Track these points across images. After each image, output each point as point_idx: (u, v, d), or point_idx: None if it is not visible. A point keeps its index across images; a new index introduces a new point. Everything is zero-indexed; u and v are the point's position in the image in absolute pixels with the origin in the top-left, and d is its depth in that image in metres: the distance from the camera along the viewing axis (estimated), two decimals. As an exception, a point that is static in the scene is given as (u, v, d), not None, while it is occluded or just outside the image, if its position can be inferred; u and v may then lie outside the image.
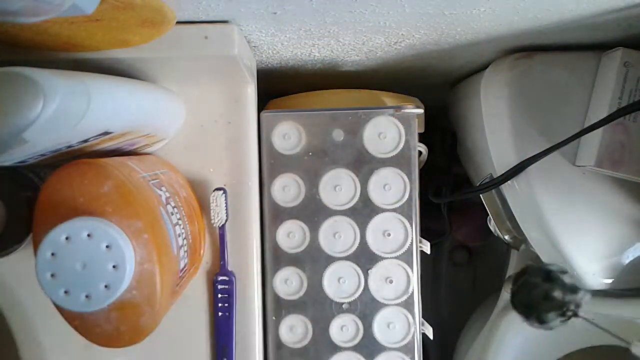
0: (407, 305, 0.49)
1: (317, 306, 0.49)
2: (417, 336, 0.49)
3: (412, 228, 0.48)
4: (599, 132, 0.43)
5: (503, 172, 0.48)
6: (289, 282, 0.48)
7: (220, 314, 0.43)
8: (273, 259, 0.48)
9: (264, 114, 0.48)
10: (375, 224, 0.48)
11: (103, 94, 0.30)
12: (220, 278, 0.43)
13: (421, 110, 0.48)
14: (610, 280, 0.47)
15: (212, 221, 0.42)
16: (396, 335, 0.49)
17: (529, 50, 0.48)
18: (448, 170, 0.67)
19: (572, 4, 0.36)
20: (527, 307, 0.40)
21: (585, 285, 0.46)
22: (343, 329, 0.49)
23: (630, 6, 0.37)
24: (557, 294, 0.39)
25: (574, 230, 0.46)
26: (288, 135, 0.48)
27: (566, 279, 0.40)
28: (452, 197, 0.65)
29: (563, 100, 0.46)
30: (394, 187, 0.48)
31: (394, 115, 0.48)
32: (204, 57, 0.38)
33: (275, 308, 0.49)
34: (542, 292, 0.39)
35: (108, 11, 0.28)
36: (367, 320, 0.49)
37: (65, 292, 0.28)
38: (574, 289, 0.39)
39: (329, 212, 0.48)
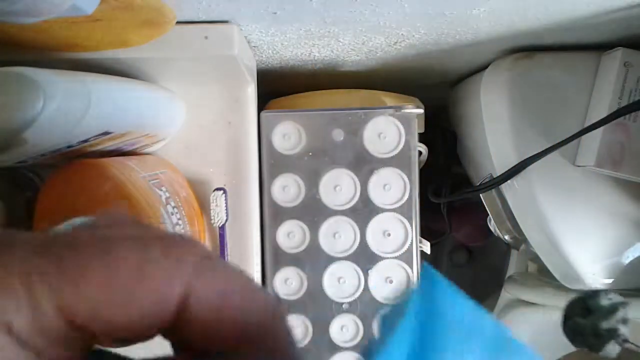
0: (407, 305, 0.49)
1: (317, 306, 0.49)
2: (417, 336, 0.49)
3: (412, 228, 0.48)
4: (599, 132, 0.43)
5: (503, 171, 0.48)
6: (288, 282, 0.48)
7: (220, 314, 0.43)
8: (273, 259, 0.48)
9: (264, 114, 0.48)
10: (375, 224, 0.48)
11: (103, 94, 0.30)
12: (220, 278, 0.43)
13: (421, 110, 0.48)
14: (610, 280, 0.47)
15: (212, 221, 0.42)
16: (396, 335, 0.49)
17: (529, 50, 0.48)
18: (448, 170, 0.67)
19: (572, 4, 0.37)
20: (584, 344, 0.40)
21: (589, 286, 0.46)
22: (343, 329, 0.49)
23: (630, 6, 0.37)
24: (604, 325, 0.39)
25: (574, 230, 0.46)
26: (288, 135, 0.48)
27: (604, 301, 0.40)
28: (452, 197, 0.65)
29: (563, 100, 0.46)
30: (394, 187, 0.48)
31: (394, 115, 0.48)
32: (204, 57, 0.38)
33: (275, 308, 0.49)
34: (591, 330, 0.39)
35: (108, 11, 0.28)
36: (367, 320, 0.49)
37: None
38: (612, 312, 0.39)
39: (329, 212, 0.48)
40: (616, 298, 0.40)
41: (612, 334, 0.38)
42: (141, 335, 0.13)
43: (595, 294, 0.40)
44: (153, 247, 0.13)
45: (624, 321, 0.38)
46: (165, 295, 0.13)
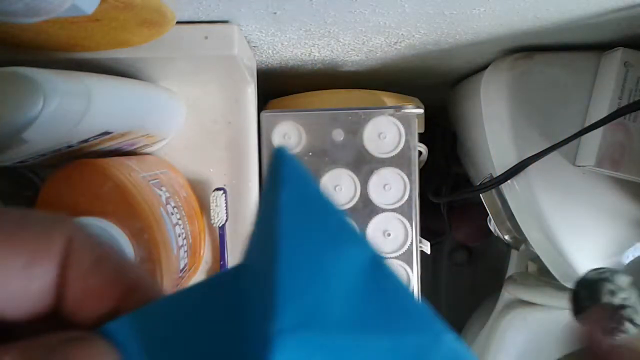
0: (407, 305, 0.49)
1: (317, 306, 0.49)
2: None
3: (412, 228, 0.48)
4: (599, 132, 0.43)
5: (503, 171, 0.48)
6: (289, 282, 0.48)
7: (220, 314, 0.43)
8: (273, 259, 0.48)
9: (264, 114, 0.48)
10: (375, 224, 0.48)
11: (103, 94, 0.30)
12: (220, 278, 0.43)
13: (421, 110, 0.48)
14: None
15: (212, 221, 0.42)
16: (396, 335, 0.49)
17: (529, 50, 0.48)
18: (448, 170, 0.67)
19: (572, 4, 0.36)
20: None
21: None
22: (343, 329, 0.49)
23: (630, 6, 0.37)
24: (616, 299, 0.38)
25: (574, 230, 0.46)
26: (288, 135, 0.48)
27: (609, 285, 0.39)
28: (452, 197, 0.65)
29: (563, 100, 0.46)
30: (394, 187, 0.48)
31: (394, 115, 0.48)
32: (204, 57, 0.38)
33: (275, 308, 0.49)
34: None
35: (108, 11, 0.28)
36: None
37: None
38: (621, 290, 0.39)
39: (329, 212, 0.48)
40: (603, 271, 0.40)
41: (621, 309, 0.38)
42: (31, 295, 0.13)
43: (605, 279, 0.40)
44: (28, 209, 0.14)
45: (612, 293, 0.38)
46: (54, 230, 0.14)
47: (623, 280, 0.39)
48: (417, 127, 0.48)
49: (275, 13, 0.37)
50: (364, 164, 0.48)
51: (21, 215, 0.14)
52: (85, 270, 0.14)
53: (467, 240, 0.81)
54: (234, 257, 0.44)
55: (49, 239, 0.14)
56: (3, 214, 0.14)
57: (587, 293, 0.39)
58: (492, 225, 0.57)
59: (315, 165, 0.48)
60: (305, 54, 0.49)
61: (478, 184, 0.54)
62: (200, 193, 0.43)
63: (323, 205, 0.13)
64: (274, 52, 0.47)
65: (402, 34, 0.43)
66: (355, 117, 0.48)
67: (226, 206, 0.42)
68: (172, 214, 0.36)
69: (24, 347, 0.12)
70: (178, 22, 0.35)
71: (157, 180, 0.36)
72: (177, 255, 0.35)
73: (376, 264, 0.13)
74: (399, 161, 0.48)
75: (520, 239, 0.55)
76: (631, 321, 0.37)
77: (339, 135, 0.48)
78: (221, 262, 0.43)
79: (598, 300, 0.38)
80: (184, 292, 0.14)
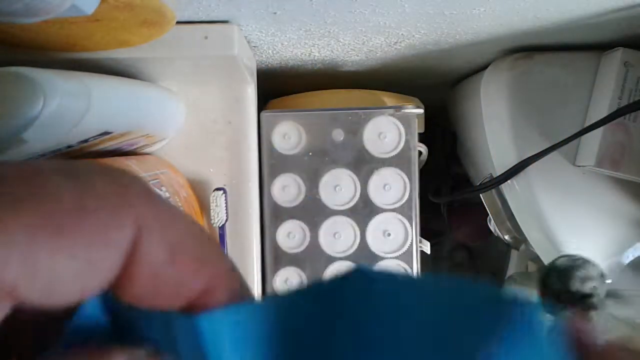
0: (407, 305, 0.49)
1: (317, 306, 0.49)
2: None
3: (412, 228, 0.48)
4: (599, 132, 0.43)
5: (503, 171, 0.48)
6: (289, 283, 0.48)
7: (220, 314, 0.43)
8: (273, 259, 0.48)
9: (264, 114, 0.48)
10: (375, 224, 0.48)
11: (103, 94, 0.30)
12: (220, 278, 0.43)
13: (421, 110, 0.48)
14: (610, 280, 0.47)
15: (212, 221, 0.42)
16: (396, 335, 0.49)
17: (529, 50, 0.48)
18: (448, 170, 0.67)
19: (572, 4, 0.36)
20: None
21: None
22: (343, 329, 0.49)
23: (630, 6, 0.37)
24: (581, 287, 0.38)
25: (574, 230, 0.46)
26: (288, 135, 0.48)
27: (579, 272, 0.39)
28: (452, 197, 0.65)
29: (563, 100, 0.46)
30: (394, 187, 0.48)
31: (394, 115, 0.48)
32: (204, 57, 0.38)
33: (275, 308, 0.49)
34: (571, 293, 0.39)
35: (108, 11, 0.28)
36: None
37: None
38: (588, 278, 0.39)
39: (329, 212, 0.48)
40: (575, 258, 0.40)
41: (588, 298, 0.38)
42: (88, 289, 0.11)
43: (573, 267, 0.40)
44: (90, 177, 0.11)
45: (582, 280, 0.38)
46: (116, 229, 0.11)
47: (594, 269, 0.39)
48: (417, 127, 0.48)
49: (275, 13, 0.37)
50: (364, 164, 0.48)
51: (80, 194, 0.10)
52: (155, 268, 0.11)
53: (467, 240, 0.81)
54: (233, 258, 0.44)
55: (114, 230, 0.11)
56: (56, 191, 0.10)
57: (557, 277, 0.39)
58: (492, 225, 0.57)
59: (315, 165, 0.48)
60: (305, 54, 0.49)
61: (478, 184, 0.54)
62: (200, 193, 0.43)
63: None
64: (274, 52, 0.47)
65: (402, 34, 0.43)
66: (355, 117, 0.48)
67: (226, 206, 0.42)
68: (172, 214, 0.36)
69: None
70: (178, 22, 0.35)
71: (157, 180, 0.36)
72: (177, 255, 0.35)
73: None
74: (399, 161, 0.48)
75: (520, 239, 0.55)
76: (595, 309, 0.38)
77: (339, 135, 0.48)
78: (221, 262, 0.43)
79: (567, 286, 0.39)
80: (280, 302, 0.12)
